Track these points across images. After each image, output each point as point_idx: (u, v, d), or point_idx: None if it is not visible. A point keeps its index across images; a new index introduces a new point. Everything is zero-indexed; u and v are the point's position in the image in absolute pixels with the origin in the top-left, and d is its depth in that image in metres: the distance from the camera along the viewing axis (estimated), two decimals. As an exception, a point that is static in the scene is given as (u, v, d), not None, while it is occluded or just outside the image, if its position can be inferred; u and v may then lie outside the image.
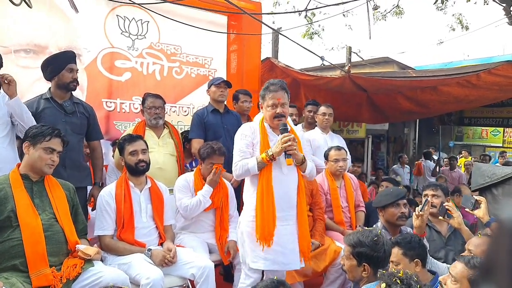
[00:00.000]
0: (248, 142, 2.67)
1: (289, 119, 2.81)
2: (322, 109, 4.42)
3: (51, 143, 2.36)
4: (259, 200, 2.57)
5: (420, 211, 2.70)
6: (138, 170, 2.84)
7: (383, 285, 1.49)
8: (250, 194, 2.68)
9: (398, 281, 1.47)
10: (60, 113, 3.04)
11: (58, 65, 3.04)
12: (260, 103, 2.77)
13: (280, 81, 2.71)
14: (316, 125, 4.61)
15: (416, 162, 9.47)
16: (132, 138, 2.92)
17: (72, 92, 3.18)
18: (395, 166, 9.41)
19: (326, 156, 3.80)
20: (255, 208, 2.60)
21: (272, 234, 2.52)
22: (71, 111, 3.08)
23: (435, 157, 10.07)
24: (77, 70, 3.13)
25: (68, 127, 3.03)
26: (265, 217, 2.53)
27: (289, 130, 2.58)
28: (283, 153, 2.51)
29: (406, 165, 9.12)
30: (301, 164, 2.63)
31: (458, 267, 1.91)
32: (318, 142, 4.25)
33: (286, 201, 2.61)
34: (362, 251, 1.99)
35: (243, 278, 2.71)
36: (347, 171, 4.03)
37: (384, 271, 1.60)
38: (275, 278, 1.95)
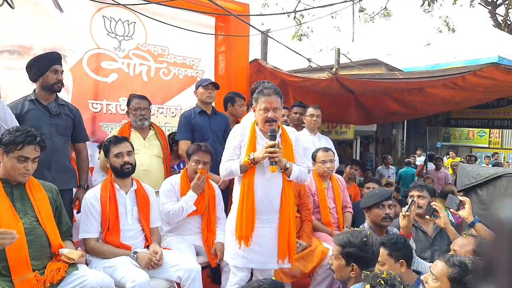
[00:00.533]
0: (236, 144, 2.71)
1: (287, 128, 2.84)
2: (310, 110, 4.43)
3: (24, 152, 2.24)
4: (240, 202, 2.64)
5: (407, 211, 2.72)
6: (123, 172, 2.81)
7: (368, 286, 1.49)
8: (236, 194, 2.73)
9: (382, 282, 1.47)
10: (45, 115, 2.99)
11: (43, 66, 3.00)
12: (252, 105, 2.78)
13: (274, 85, 2.75)
14: (303, 127, 4.63)
15: (419, 164, 9.57)
16: (117, 140, 2.89)
17: (58, 93, 3.14)
18: (379, 167, 9.51)
19: (313, 158, 3.81)
20: (236, 209, 2.67)
21: (250, 235, 2.59)
22: (56, 112, 3.04)
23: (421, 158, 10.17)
24: (62, 71, 3.09)
25: (53, 129, 2.99)
26: (244, 219, 2.60)
27: (277, 136, 2.61)
28: (268, 159, 2.54)
29: (391, 166, 9.21)
30: (285, 170, 2.64)
31: (438, 265, 1.93)
32: (306, 143, 4.25)
33: (268, 205, 2.64)
34: (351, 251, 1.99)
35: (230, 277, 2.75)
36: (345, 175, 4.06)
37: (368, 272, 1.60)
38: (273, 278, 1.95)
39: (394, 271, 2.21)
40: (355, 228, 2.25)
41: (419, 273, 2.35)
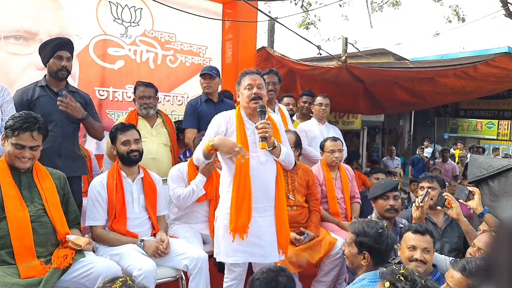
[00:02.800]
0: (218, 131, 2.53)
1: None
2: (319, 99, 4.37)
3: (20, 139, 2.18)
4: (235, 191, 2.45)
5: (420, 202, 2.68)
6: (130, 160, 2.78)
7: (387, 284, 1.44)
8: (227, 185, 2.55)
9: (402, 278, 1.43)
10: (55, 102, 2.96)
11: (47, 53, 2.96)
12: (236, 92, 2.63)
13: (256, 69, 2.65)
14: (311, 116, 4.57)
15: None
16: (124, 127, 2.85)
17: (67, 80, 3.11)
18: (384, 158, 9.46)
19: (322, 147, 3.76)
20: (230, 199, 2.48)
21: (246, 226, 2.42)
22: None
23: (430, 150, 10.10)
24: (68, 57, 3.00)
25: (63, 116, 2.95)
26: (240, 208, 2.43)
27: (266, 112, 2.48)
28: (259, 138, 2.39)
29: (396, 157, 9.17)
30: (272, 149, 2.48)
31: (455, 277, 1.83)
32: (314, 133, 4.21)
33: (264, 192, 2.52)
34: (365, 241, 1.96)
35: (227, 273, 2.62)
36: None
37: (384, 269, 1.55)
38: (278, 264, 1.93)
39: (432, 259, 2.20)
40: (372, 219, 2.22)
41: (434, 266, 2.31)
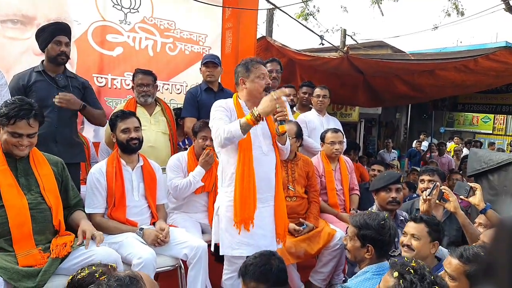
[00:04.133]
0: (226, 113, 2.49)
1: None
2: (317, 90, 4.35)
3: (16, 127, 2.12)
4: (239, 182, 2.42)
5: (428, 195, 2.67)
6: (130, 148, 2.75)
7: (396, 273, 1.44)
8: (228, 177, 2.52)
9: (412, 270, 1.42)
10: (52, 87, 2.92)
11: (45, 37, 2.91)
12: (240, 78, 2.56)
13: (261, 59, 2.65)
14: (311, 107, 4.55)
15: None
16: (124, 114, 2.81)
17: (65, 66, 3.06)
18: (381, 151, 9.50)
19: (322, 139, 3.74)
20: (233, 191, 2.46)
21: (252, 217, 2.41)
22: (63, 85, 2.96)
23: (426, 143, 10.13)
24: (67, 42, 2.97)
25: None
26: (246, 199, 2.41)
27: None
28: (276, 122, 2.39)
29: (393, 150, 9.20)
30: (283, 134, 2.49)
31: (453, 263, 1.85)
32: (314, 124, 4.18)
33: (266, 182, 2.53)
34: (368, 234, 1.95)
35: (227, 265, 2.61)
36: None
37: (396, 259, 1.54)
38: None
39: (425, 249, 2.21)
40: (373, 210, 2.21)
41: (439, 259, 2.32)
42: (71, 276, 1.81)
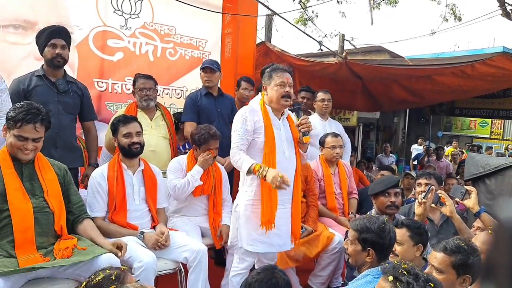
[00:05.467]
0: (248, 128, 2.61)
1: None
2: (320, 95, 4.33)
3: (22, 131, 2.14)
4: (264, 185, 2.55)
5: (424, 198, 2.70)
6: (131, 152, 2.78)
7: (391, 278, 1.46)
8: (250, 177, 2.62)
9: (405, 272, 1.45)
10: (53, 92, 2.94)
11: (42, 41, 2.93)
12: (264, 85, 2.71)
13: (287, 66, 2.76)
14: (309, 112, 4.58)
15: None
16: (126, 119, 2.83)
17: (65, 70, 3.08)
18: (379, 155, 9.56)
19: (322, 143, 3.75)
20: (256, 192, 2.59)
21: (274, 218, 2.54)
22: (64, 90, 2.98)
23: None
24: (63, 45, 2.96)
25: (60, 107, 2.94)
26: (269, 201, 2.54)
27: (301, 109, 2.71)
28: (300, 133, 2.62)
29: (391, 154, 9.26)
30: (305, 143, 2.69)
31: (438, 257, 1.90)
32: (317, 130, 4.09)
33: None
34: (368, 237, 1.98)
35: (237, 262, 2.69)
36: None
37: (386, 264, 1.57)
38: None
39: (409, 253, 2.23)
40: (372, 215, 2.24)
41: (427, 260, 2.35)
42: (85, 282, 1.80)
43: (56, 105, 2.90)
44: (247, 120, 2.62)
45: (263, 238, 2.57)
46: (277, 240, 2.61)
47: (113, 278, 1.74)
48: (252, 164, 2.50)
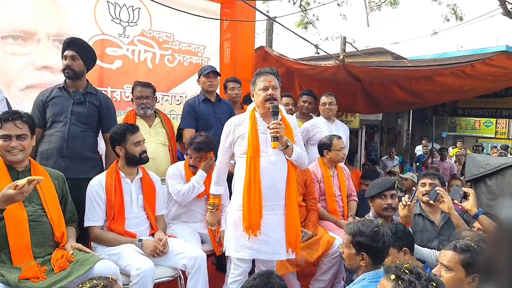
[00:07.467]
0: (226, 145, 2.68)
1: (282, 108, 2.76)
2: (323, 98, 4.36)
3: (4, 130, 2.21)
4: (246, 189, 2.51)
5: (410, 201, 2.68)
6: (142, 160, 2.79)
7: (393, 276, 1.46)
8: (238, 182, 2.61)
9: (407, 271, 1.45)
10: (68, 102, 2.97)
11: (61, 53, 3.03)
12: (251, 91, 2.69)
13: (270, 68, 2.69)
14: (310, 116, 4.59)
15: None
16: (134, 128, 2.83)
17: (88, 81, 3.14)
18: (383, 157, 9.48)
19: (329, 146, 3.70)
20: (242, 197, 2.54)
21: (259, 224, 2.48)
22: (79, 100, 2.99)
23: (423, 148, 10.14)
24: (73, 56, 2.98)
25: (72, 117, 2.95)
26: (252, 206, 2.48)
27: (279, 112, 2.55)
28: (271, 138, 2.48)
29: (396, 157, 9.19)
30: (285, 148, 2.54)
31: (447, 255, 1.90)
32: (323, 132, 4.10)
33: (274, 191, 2.55)
34: (362, 241, 1.97)
35: (233, 269, 2.64)
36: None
37: (389, 264, 1.57)
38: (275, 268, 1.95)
39: (399, 260, 2.20)
40: (367, 218, 2.22)
41: (423, 262, 2.33)
42: None
43: (68, 115, 2.93)
44: (228, 135, 2.66)
45: (251, 244, 2.51)
46: (266, 247, 2.52)
47: None
48: (212, 194, 2.81)
